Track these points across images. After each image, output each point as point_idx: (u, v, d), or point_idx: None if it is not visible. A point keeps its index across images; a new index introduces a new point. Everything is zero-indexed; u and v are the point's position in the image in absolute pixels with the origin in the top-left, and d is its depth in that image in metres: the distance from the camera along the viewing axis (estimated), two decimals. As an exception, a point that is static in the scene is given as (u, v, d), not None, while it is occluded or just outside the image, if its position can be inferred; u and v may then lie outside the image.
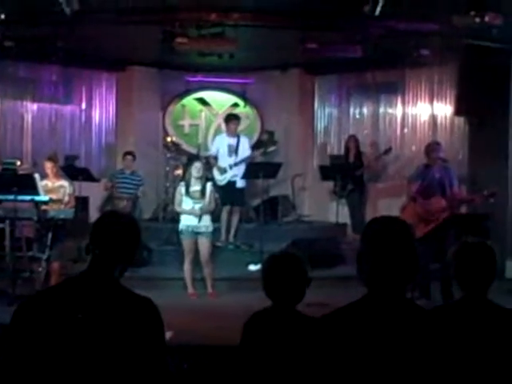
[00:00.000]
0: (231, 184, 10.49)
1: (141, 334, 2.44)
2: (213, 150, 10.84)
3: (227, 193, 10.39)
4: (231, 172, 10.50)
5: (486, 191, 8.16)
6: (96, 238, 2.60)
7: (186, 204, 8.58)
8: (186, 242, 8.58)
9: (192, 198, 8.55)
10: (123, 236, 2.63)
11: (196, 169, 8.64)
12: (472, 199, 8.42)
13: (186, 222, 8.57)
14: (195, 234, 8.55)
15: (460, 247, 3.24)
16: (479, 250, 3.19)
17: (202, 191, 8.58)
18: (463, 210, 9.36)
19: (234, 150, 10.58)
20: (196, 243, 8.57)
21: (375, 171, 11.98)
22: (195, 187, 8.59)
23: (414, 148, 11.70)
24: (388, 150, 11.46)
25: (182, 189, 8.65)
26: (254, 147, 11.61)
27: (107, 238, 2.60)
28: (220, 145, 10.71)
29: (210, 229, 8.69)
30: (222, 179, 10.48)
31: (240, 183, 10.59)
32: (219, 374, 5.80)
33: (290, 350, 3.14)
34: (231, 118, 10.86)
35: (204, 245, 8.58)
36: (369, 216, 11.57)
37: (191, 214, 8.53)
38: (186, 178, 8.79)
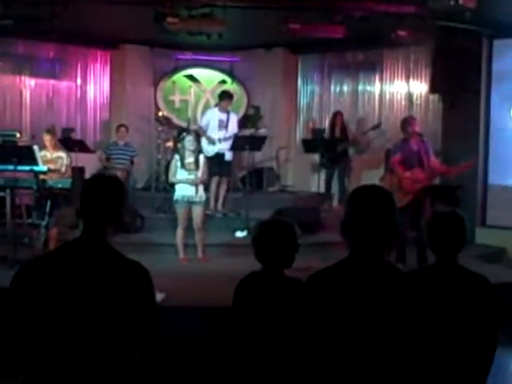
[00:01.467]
0: (220, 156, 10.44)
1: (132, 295, 2.44)
2: (203, 122, 10.76)
3: (216, 165, 10.35)
4: (220, 145, 10.45)
5: (464, 162, 8.19)
6: (83, 199, 2.57)
7: (181, 175, 8.52)
8: (181, 211, 8.53)
9: (187, 169, 8.50)
10: (107, 194, 2.57)
11: (190, 142, 8.59)
12: (449, 171, 8.43)
13: (182, 192, 8.50)
14: (190, 203, 8.52)
15: (433, 216, 3.28)
16: (450, 218, 3.23)
17: (196, 163, 8.54)
18: (436, 181, 9.39)
19: (224, 125, 10.52)
20: (190, 212, 8.55)
21: (361, 145, 11.98)
22: (189, 159, 8.53)
23: (390, 123, 11.66)
24: (376, 126, 11.44)
25: (177, 162, 8.58)
26: (242, 122, 11.57)
27: (92, 197, 2.56)
28: (211, 118, 10.63)
29: (203, 198, 8.66)
30: (210, 150, 10.42)
31: (228, 156, 10.56)
32: (210, 333, 5.84)
33: (279, 309, 3.17)
34: (225, 96, 10.72)
35: (197, 213, 8.55)
36: (350, 186, 11.61)
37: (188, 183, 8.46)
38: (179, 151, 8.72)
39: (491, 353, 3.05)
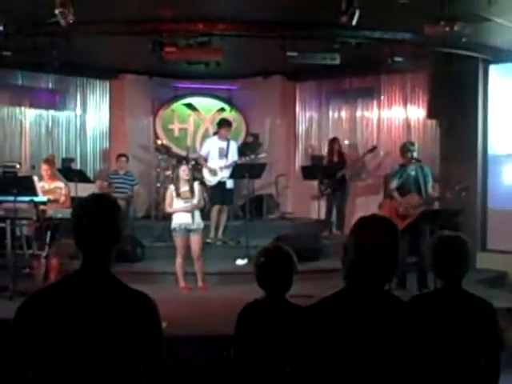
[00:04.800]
0: (221, 185, 10.45)
1: (139, 327, 2.38)
2: (203, 151, 10.79)
3: (217, 193, 10.37)
4: (222, 174, 10.46)
5: (457, 186, 8.21)
6: (76, 226, 2.46)
7: (177, 204, 8.53)
8: (179, 239, 8.52)
9: (183, 198, 8.51)
10: (101, 216, 2.43)
11: (184, 172, 8.60)
12: (443, 196, 8.45)
13: (179, 220, 8.50)
14: (188, 231, 8.51)
15: (437, 240, 3.28)
16: (455, 242, 3.23)
17: (191, 191, 8.55)
18: (436, 205, 9.39)
19: (224, 154, 10.53)
20: (188, 240, 8.54)
21: (358, 170, 12.04)
22: (184, 188, 8.56)
23: (389, 149, 11.70)
24: (373, 149, 11.52)
25: (172, 191, 8.60)
26: (241, 150, 11.60)
27: (86, 222, 2.42)
28: (211, 147, 10.65)
29: (201, 226, 8.65)
30: (212, 180, 10.45)
31: (229, 184, 10.57)
32: (211, 362, 5.81)
33: (282, 336, 3.20)
34: (224, 124, 10.75)
35: (195, 241, 8.53)
36: (348, 212, 11.63)
37: (183, 211, 8.48)
38: (174, 181, 8.75)
39: (496, 377, 3.04)
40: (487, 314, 3.11)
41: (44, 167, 8.71)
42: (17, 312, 2.41)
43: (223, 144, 10.59)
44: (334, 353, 2.41)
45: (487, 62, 10.50)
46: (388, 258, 2.49)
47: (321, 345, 2.43)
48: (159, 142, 12.56)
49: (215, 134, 10.95)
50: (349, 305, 2.47)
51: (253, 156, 10.98)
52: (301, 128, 13.25)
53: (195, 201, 8.53)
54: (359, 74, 11.95)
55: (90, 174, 11.58)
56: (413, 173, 8.31)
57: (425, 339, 2.50)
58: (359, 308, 2.45)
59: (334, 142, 11.86)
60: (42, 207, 7.96)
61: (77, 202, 2.59)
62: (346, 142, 12.31)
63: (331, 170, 11.47)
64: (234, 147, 10.77)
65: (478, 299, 3.17)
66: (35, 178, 8.04)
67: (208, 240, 10.01)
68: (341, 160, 11.69)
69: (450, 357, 2.94)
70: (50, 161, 9.01)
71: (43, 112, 12.25)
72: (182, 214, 8.49)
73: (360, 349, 2.39)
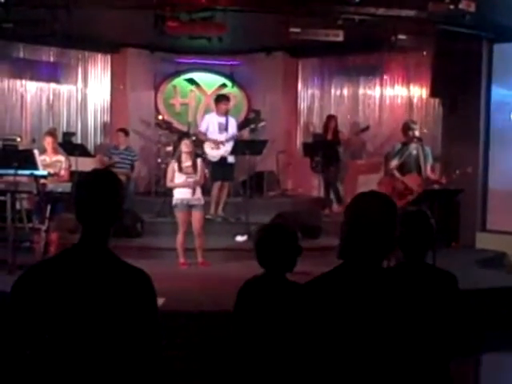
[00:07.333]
0: (222, 160, 10.44)
1: (134, 303, 2.38)
2: (203, 127, 10.75)
3: (219, 168, 10.34)
4: (224, 148, 10.43)
5: (454, 173, 8.23)
6: (78, 200, 2.48)
7: (180, 179, 8.51)
8: (180, 215, 8.50)
9: (185, 173, 8.49)
10: (103, 192, 2.44)
11: (185, 145, 8.58)
12: (438, 180, 8.43)
13: (181, 195, 8.47)
14: (189, 207, 8.49)
15: (401, 215, 3.30)
16: (418, 217, 3.35)
17: (194, 166, 8.53)
18: (436, 184, 9.39)
19: (224, 128, 10.51)
20: (189, 216, 8.52)
21: (353, 148, 12.01)
22: (187, 163, 8.53)
23: (391, 127, 11.68)
24: (365, 129, 11.51)
25: (174, 165, 8.56)
26: (242, 125, 11.56)
27: (87, 197, 2.45)
28: (210, 122, 10.62)
29: (202, 202, 8.64)
30: (216, 155, 10.41)
31: (230, 159, 10.54)
32: (210, 338, 5.83)
33: (280, 314, 3.18)
34: (222, 99, 10.74)
35: (197, 217, 8.52)
36: (348, 191, 11.63)
37: (185, 187, 8.46)
38: (176, 155, 8.73)
39: (460, 347, 3.07)
40: (452, 287, 3.17)
41: (48, 140, 8.71)
42: (14, 285, 2.41)
43: (222, 119, 10.56)
44: (332, 330, 2.41)
45: (491, 41, 10.45)
46: (384, 234, 2.48)
47: (318, 322, 2.43)
48: (160, 117, 12.53)
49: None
50: (345, 282, 2.46)
51: (253, 126, 10.91)
52: (303, 105, 13.21)
53: (197, 177, 8.51)
54: (362, 51, 11.86)
55: (90, 148, 11.55)
56: (414, 152, 8.29)
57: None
58: (355, 285, 2.43)
59: (330, 119, 11.83)
60: (42, 181, 7.96)
61: (79, 177, 2.62)
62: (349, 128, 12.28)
63: (332, 148, 11.45)
64: (232, 122, 10.74)
65: (441, 272, 3.27)
66: (36, 152, 8.03)
67: (208, 216, 10.00)
68: (335, 138, 11.65)
69: (415, 331, 2.93)
70: (53, 133, 9.00)
71: (44, 85, 12.20)
72: (183, 189, 8.48)
73: (358, 325, 2.39)
